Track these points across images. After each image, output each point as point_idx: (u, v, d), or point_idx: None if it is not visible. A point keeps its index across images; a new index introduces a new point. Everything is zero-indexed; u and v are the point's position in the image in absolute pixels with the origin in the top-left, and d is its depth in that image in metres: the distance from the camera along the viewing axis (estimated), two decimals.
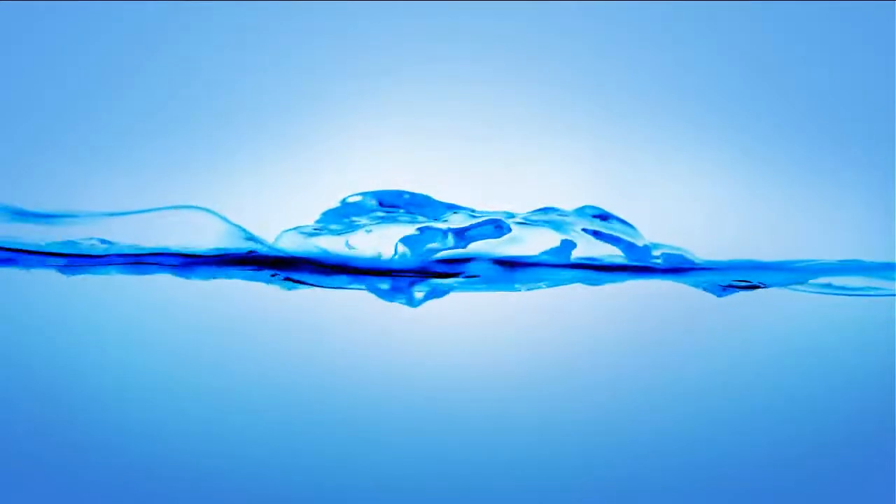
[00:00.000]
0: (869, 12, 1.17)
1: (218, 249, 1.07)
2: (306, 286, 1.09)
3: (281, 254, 1.08)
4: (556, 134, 1.17)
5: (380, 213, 1.10)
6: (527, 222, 1.09)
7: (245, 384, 1.17)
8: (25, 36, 1.14)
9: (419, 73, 1.16)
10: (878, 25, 1.17)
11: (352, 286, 1.09)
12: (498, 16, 1.16)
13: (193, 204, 1.12)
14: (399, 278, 1.08)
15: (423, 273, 1.08)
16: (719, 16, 1.17)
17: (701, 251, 1.11)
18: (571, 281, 1.11)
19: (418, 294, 1.10)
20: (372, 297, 1.12)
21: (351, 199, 1.10)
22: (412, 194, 1.10)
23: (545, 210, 1.11)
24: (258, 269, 1.08)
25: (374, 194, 1.10)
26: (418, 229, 1.08)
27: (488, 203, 1.14)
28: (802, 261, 1.12)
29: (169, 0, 1.14)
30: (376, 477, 1.18)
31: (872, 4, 1.17)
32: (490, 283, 1.10)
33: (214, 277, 1.09)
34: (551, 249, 1.08)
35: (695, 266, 1.11)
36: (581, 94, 1.17)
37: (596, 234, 1.09)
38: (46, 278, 1.12)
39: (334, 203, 1.11)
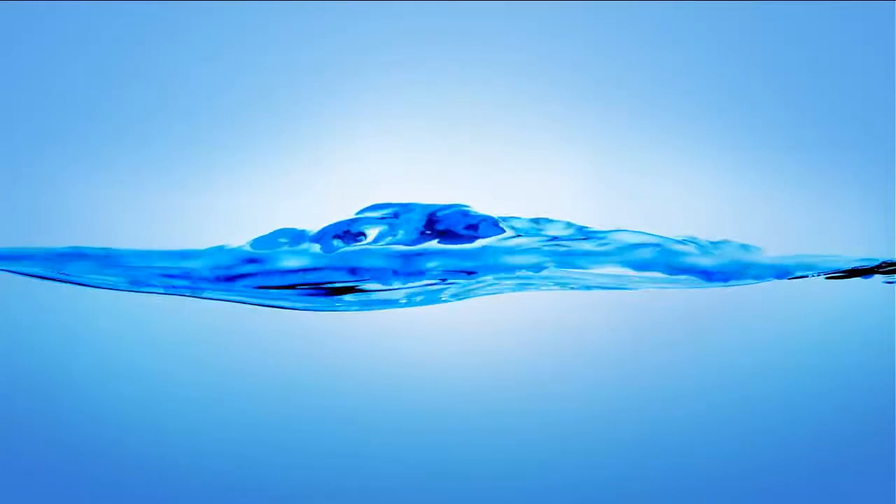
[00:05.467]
0: (869, 12, 1.17)
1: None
2: None
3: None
4: (556, 133, 1.17)
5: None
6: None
7: (242, 384, 1.17)
8: (25, 36, 1.14)
9: (420, 72, 1.16)
10: (878, 25, 1.17)
11: None
12: (500, 16, 1.16)
13: (192, 202, 1.12)
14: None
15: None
16: (718, 15, 1.17)
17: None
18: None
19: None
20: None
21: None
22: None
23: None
24: None
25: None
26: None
27: (489, 201, 1.14)
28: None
29: (168, 0, 1.14)
30: (375, 479, 1.18)
31: (872, 4, 1.17)
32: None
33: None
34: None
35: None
36: (581, 94, 1.17)
37: None
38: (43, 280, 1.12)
39: (340, 203, 1.11)
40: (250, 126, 1.15)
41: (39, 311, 1.17)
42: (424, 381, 1.18)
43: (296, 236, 1.09)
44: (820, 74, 1.18)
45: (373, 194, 1.13)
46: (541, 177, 1.16)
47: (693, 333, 1.20)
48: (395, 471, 1.17)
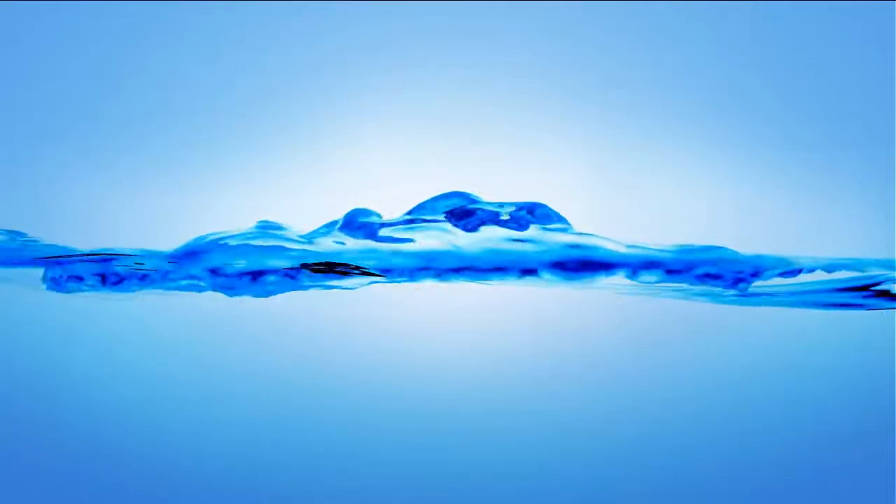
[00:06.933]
0: (869, 12, 1.17)
1: None
2: None
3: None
4: (557, 133, 1.17)
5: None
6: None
7: (243, 384, 1.17)
8: (25, 36, 1.14)
9: (420, 72, 1.16)
10: (878, 25, 1.17)
11: None
12: (500, 16, 1.16)
13: (192, 202, 1.11)
14: None
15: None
16: (718, 15, 1.17)
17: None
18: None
19: None
20: (370, 296, 1.12)
21: None
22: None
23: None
24: None
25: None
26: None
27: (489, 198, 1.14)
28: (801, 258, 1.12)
29: (168, 0, 1.14)
30: (374, 479, 1.18)
31: (872, 4, 1.17)
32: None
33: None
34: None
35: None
36: (581, 94, 1.17)
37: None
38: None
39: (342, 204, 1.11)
40: (250, 126, 1.15)
41: (40, 311, 1.17)
42: (422, 382, 1.18)
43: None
44: (820, 74, 1.18)
45: (373, 194, 1.13)
46: (541, 177, 1.16)
47: (692, 334, 1.20)
48: (393, 471, 1.17)
